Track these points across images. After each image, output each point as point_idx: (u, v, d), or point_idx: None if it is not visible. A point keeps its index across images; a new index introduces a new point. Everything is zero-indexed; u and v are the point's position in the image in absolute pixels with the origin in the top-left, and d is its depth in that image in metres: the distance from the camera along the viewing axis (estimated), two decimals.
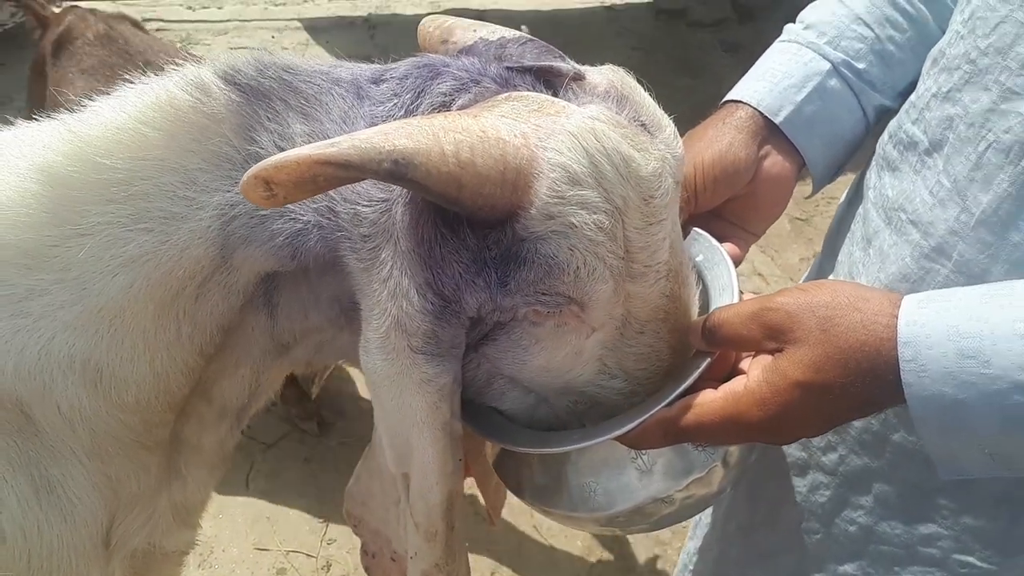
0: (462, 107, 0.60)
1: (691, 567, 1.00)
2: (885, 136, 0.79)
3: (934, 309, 0.55)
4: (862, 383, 0.55)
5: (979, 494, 0.69)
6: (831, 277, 0.85)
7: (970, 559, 0.71)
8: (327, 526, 2.02)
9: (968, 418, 0.52)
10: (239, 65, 0.62)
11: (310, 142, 0.60)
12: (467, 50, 0.69)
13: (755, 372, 0.60)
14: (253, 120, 0.61)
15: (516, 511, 2.06)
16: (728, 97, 0.84)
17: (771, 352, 0.60)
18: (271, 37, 4.31)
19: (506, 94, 0.61)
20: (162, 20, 4.35)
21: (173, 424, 0.77)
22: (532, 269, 0.57)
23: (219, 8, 4.57)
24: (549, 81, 0.63)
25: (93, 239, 0.62)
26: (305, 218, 0.61)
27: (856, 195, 0.86)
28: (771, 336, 0.59)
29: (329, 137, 0.60)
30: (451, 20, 0.74)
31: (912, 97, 0.75)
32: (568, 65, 0.64)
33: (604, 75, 0.64)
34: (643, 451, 0.66)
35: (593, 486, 0.68)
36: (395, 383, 0.61)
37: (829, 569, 0.79)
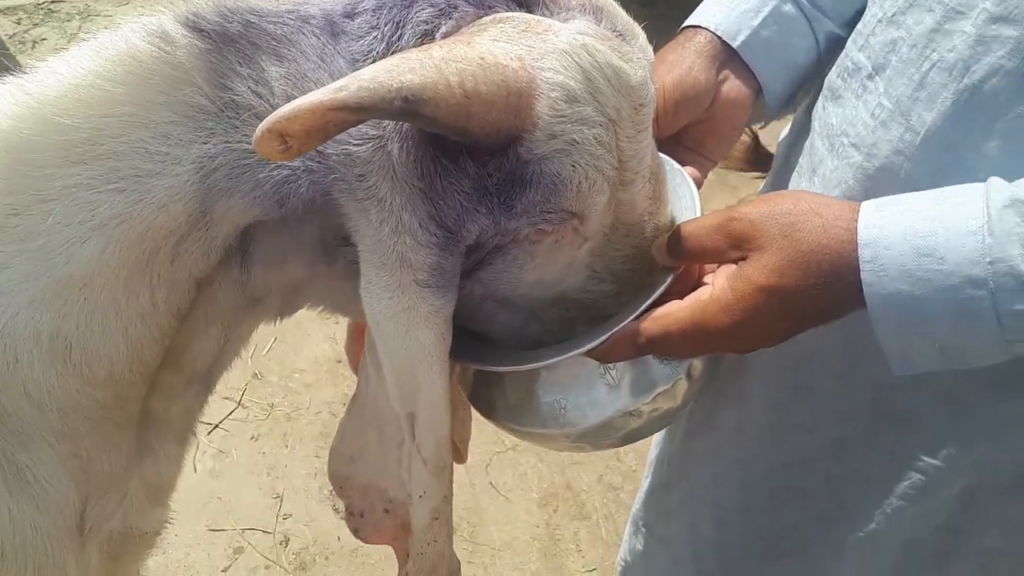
0: (446, 34, 0.60)
1: (651, 501, 1.03)
2: (833, 68, 0.82)
3: (891, 211, 0.58)
4: (823, 285, 0.58)
5: (927, 392, 0.73)
6: None
7: (928, 460, 0.76)
8: (281, 501, 1.99)
9: (924, 313, 0.56)
10: (200, 10, 0.60)
11: (289, 84, 0.59)
12: None
13: (720, 280, 0.62)
14: (224, 66, 0.59)
15: (472, 469, 2.08)
16: (686, 23, 0.86)
17: (735, 261, 0.62)
18: (181, 2, 4.09)
19: (490, 17, 0.60)
20: None
21: (144, 398, 0.75)
22: (538, 189, 0.58)
23: None
24: None
25: (60, 204, 0.59)
26: (292, 163, 0.59)
27: (802, 129, 0.89)
28: (735, 245, 0.62)
29: (307, 77, 0.59)
30: None
31: (859, 26, 0.77)
32: None
33: None
34: (611, 366, 0.68)
35: (563, 402, 0.70)
36: (401, 319, 0.61)
37: (808, 464, 0.84)
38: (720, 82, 0.82)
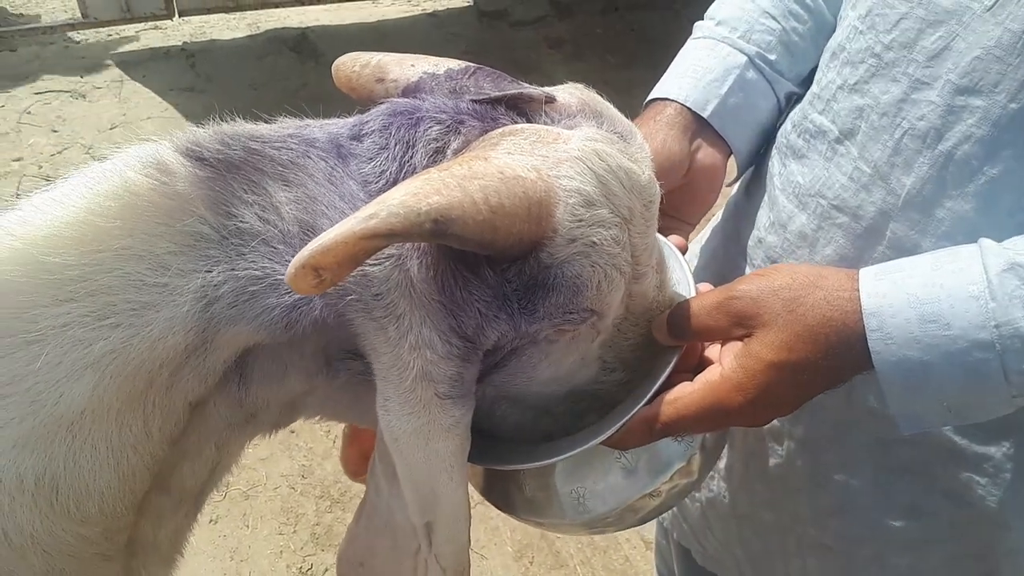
0: (457, 151, 0.60)
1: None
2: (788, 126, 0.85)
3: (891, 280, 0.59)
4: (832, 356, 0.59)
5: (934, 448, 0.75)
6: (747, 266, 0.90)
7: (937, 501, 0.77)
8: None
9: (933, 376, 0.57)
10: (199, 139, 0.59)
11: (299, 208, 0.58)
12: (414, 87, 0.67)
13: (728, 359, 0.63)
14: (227, 194, 0.57)
15: None
16: (652, 96, 0.88)
17: (739, 339, 0.63)
18: (80, 77, 3.98)
19: (499, 130, 0.61)
20: None
21: (132, 526, 0.71)
22: (561, 292, 0.59)
23: (12, 51, 4.17)
24: (520, 108, 0.64)
25: (49, 345, 0.56)
26: None
27: (754, 183, 0.92)
28: (738, 323, 0.63)
29: (317, 200, 0.59)
30: (377, 56, 0.72)
31: (815, 89, 0.81)
32: (537, 90, 0.65)
33: (572, 94, 0.66)
34: (627, 451, 0.68)
35: (581, 491, 0.70)
36: (422, 434, 0.60)
37: (820, 522, 0.85)
38: (694, 151, 0.84)
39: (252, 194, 0.58)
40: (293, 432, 2.31)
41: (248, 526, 2.06)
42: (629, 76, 3.62)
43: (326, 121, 0.64)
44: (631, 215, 0.60)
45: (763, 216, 0.87)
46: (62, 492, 0.62)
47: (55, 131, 3.57)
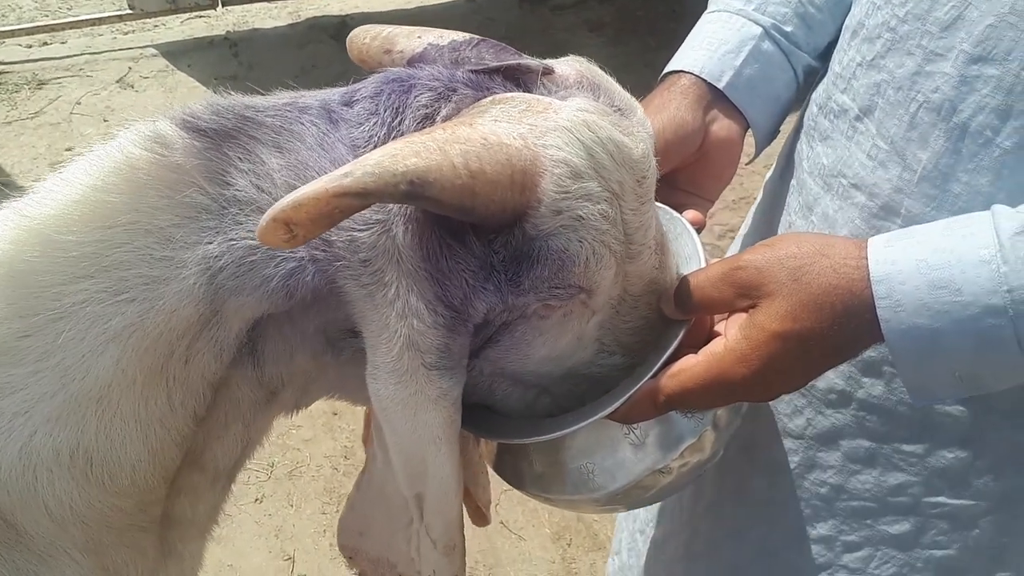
0: (446, 117, 0.59)
1: (663, 556, 1.01)
2: (814, 108, 0.83)
3: (900, 246, 0.57)
4: (839, 325, 0.57)
5: (944, 437, 0.73)
6: None
7: (940, 499, 0.75)
8: (293, 563, 1.96)
9: (944, 344, 0.55)
10: (196, 111, 0.59)
11: (291, 175, 0.58)
12: (418, 58, 0.67)
13: (732, 331, 0.61)
14: (224, 163, 0.58)
15: None
16: (667, 69, 0.86)
17: (745, 310, 0.62)
18: (127, 68, 4.07)
19: (490, 98, 0.60)
20: (2, 63, 4.04)
21: (165, 499, 0.73)
22: (546, 266, 0.58)
23: (63, 43, 4.27)
24: (518, 79, 0.63)
25: (72, 321, 0.57)
26: (298, 255, 0.58)
27: (787, 168, 0.90)
28: (743, 294, 0.61)
29: (308, 166, 0.59)
30: (388, 29, 0.72)
31: (837, 68, 0.79)
32: (535, 61, 0.65)
33: (572, 66, 0.65)
34: (634, 425, 0.67)
35: (590, 467, 0.69)
36: (409, 404, 0.60)
37: (800, 535, 0.82)
38: (709, 122, 0.82)
39: (247, 162, 0.58)
40: (336, 414, 2.35)
41: (292, 505, 2.10)
42: (670, 59, 3.56)
43: (321, 91, 0.64)
44: (622, 190, 0.59)
45: (792, 201, 0.85)
46: (96, 464, 0.64)
47: (105, 121, 3.66)
